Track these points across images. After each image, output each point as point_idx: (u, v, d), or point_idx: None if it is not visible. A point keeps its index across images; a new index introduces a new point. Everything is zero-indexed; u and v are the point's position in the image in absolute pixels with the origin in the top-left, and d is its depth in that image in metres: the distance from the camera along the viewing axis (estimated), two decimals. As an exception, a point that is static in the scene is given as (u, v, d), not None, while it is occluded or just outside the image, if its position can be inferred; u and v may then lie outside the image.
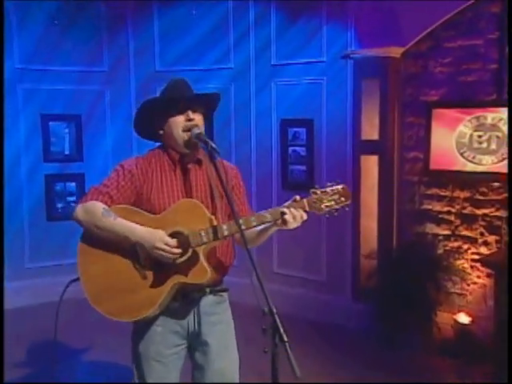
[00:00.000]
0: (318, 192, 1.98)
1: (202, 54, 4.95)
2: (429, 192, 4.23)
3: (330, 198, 1.97)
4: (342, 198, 1.98)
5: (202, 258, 1.92)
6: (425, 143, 4.13)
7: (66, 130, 5.10)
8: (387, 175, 4.26)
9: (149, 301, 1.94)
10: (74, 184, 5.14)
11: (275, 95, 4.72)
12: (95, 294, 1.97)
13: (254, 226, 1.96)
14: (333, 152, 4.49)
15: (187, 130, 2.01)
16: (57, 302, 2.08)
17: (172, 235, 1.92)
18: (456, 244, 4.13)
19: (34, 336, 4.11)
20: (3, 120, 4.65)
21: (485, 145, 3.87)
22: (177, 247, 1.89)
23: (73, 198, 5.13)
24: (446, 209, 4.16)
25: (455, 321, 3.98)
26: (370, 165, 4.26)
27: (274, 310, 1.60)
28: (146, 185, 2.03)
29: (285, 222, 1.93)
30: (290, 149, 4.66)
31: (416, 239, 4.23)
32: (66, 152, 5.13)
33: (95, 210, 1.95)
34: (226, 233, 1.92)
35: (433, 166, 4.06)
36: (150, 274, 1.95)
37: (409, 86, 4.25)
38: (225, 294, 2.15)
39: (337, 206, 1.98)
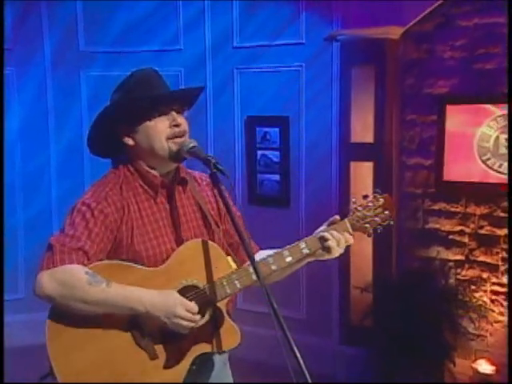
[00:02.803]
0: (360, 208, 1.80)
1: (141, 32, 4.33)
2: (436, 207, 3.77)
3: (373, 214, 1.80)
4: (386, 212, 1.80)
5: (225, 314, 1.68)
6: (435, 147, 3.64)
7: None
8: (384, 186, 3.73)
9: None
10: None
11: (239, 86, 4.22)
12: None
13: (288, 264, 1.73)
14: (314, 158, 4.05)
15: (172, 137, 1.71)
16: None
17: (183, 291, 1.64)
18: (471, 272, 3.68)
19: None
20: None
21: (514, 150, 3.41)
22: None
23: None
24: (457, 228, 3.70)
25: (474, 370, 3.52)
26: (363, 174, 3.82)
27: None
28: (125, 226, 1.69)
29: (328, 249, 1.74)
30: (259, 153, 4.20)
31: (421, 266, 3.83)
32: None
33: (75, 278, 1.57)
34: (254, 277, 1.64)
35: (447, 176, 3.57)
36: (160, 351, 1.64)
37: (410, 75, 3.78)
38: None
39: (383, 223, 1.80)
